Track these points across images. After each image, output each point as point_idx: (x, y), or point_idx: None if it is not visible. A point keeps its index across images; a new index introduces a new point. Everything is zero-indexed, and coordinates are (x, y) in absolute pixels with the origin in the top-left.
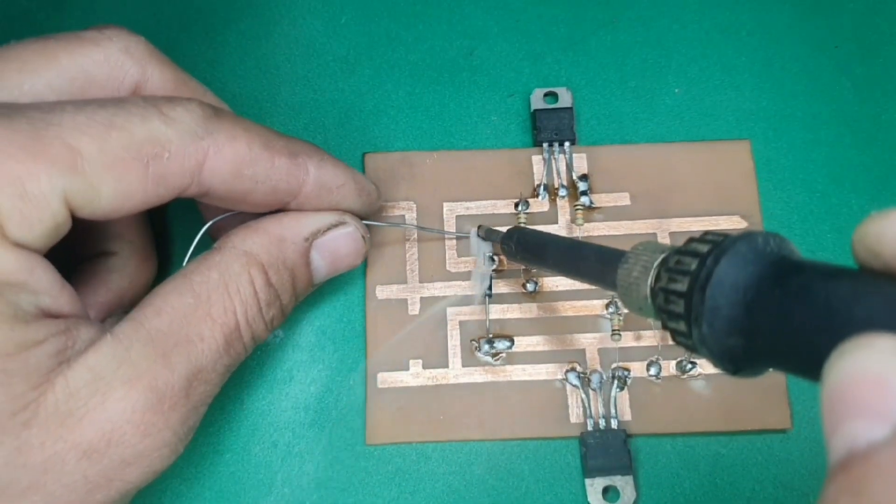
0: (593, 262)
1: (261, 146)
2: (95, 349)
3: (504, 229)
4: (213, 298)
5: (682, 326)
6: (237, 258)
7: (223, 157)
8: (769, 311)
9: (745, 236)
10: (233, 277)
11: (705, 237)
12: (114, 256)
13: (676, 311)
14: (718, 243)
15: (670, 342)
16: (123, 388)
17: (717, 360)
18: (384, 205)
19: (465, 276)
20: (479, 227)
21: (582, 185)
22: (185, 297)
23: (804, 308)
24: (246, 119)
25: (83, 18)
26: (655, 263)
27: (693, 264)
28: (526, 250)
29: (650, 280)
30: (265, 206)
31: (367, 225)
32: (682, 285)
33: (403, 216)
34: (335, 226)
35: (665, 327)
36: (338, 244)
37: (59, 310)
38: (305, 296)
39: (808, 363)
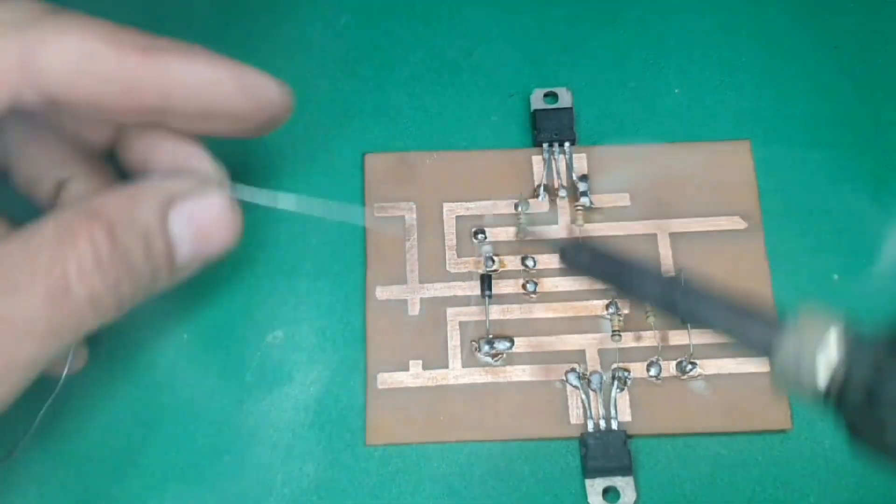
0: (734, 320)
1: (100, 39)
2: None
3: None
4: (40, 249)
5: None
6: (78, 213)
7: (51, 51)
8: None
9: None
10: (68, 230)
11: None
12: None
13: None
14: None
15: (670, 343)
16: None
17: None
18: (384, 205)
19: (466, 276)
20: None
21: (582, 186)
22: (11, 245)
23: None
24: (93, 17)
25: None
26: (831, 365)
27: None
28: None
29: (831, 371)
30: (130, 111)
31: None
32: None
33: (403, 217)
34: (199, 191)
35: (855, 429)
36: (201, 211)
37: None
38: (168, 275)
39: None
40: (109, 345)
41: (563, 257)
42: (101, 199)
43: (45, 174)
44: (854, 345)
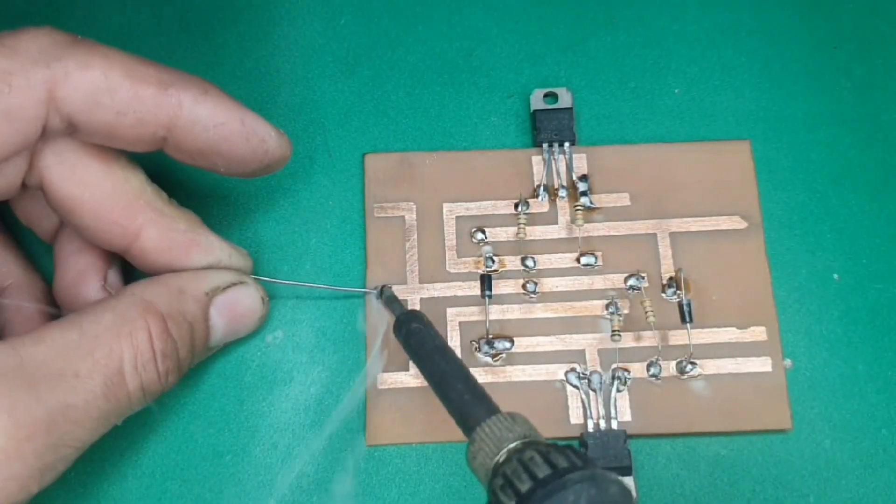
0: (456, 408)
1: (121, 74)
2: None
3: (401, 310)
4: (100, 338)
5: None
6: (135, 304)
7: (75, 84)
8: None
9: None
10: (127, 321)
11: (530, 465)
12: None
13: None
14: (536, 486)
15: (670, 343)
16: None
17: None
18: (384, 205)
19: (465, 276)
20: (384, 287)
21: (582, 186)
22: (70, 332)
23: None
24: (110, 47)
25: (83, 19)
26: (509, 447)
27: (526, 485)
28: (408, 347)
29: (498, 459)
30: (139, 142)
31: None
32: (523, 486)
33: (403, 217)
34: (234, 284)
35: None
36: (236, 303)
37: None
38: (202, 357)
39: None
40: None
41: (395, 328)
42: (152, 289)
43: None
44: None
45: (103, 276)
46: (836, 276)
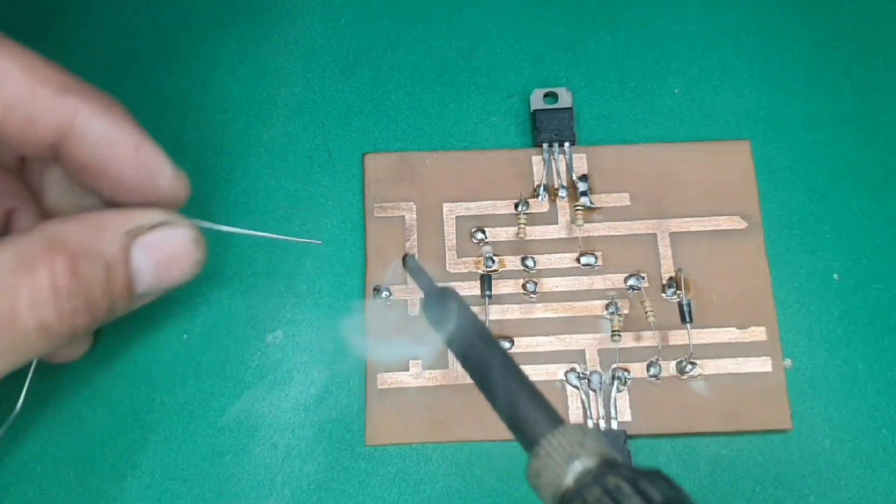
0: (512, 415)
1: (19, 66)
2: None
3: (430, 285)
4: None
5: None
6: (41, 240)
7: None
8: None
9: None
10: (26, 258)
11: (642, 489)
12: None
13: None
14: None
15: (670, 343)
16: None
17: None
18: (384, 205)
19: (465, 276)
20: (406, 256)
21: (582, 186)
22: None
23: None
24: (20, 44)
25: (83, 20)
26: (579, 468)
27: None
28: (444, 332)
29: (569, 480)
30: (25, 142)
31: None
32: None
33: (403, 217)
34: (163, 224)
35: None
36: (165, 244)
37: None
38: (131, 304)
39: None
40: (110, 345)
41: (425, 301)
42: (65, 227)
43: None
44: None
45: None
46: (836, 276)
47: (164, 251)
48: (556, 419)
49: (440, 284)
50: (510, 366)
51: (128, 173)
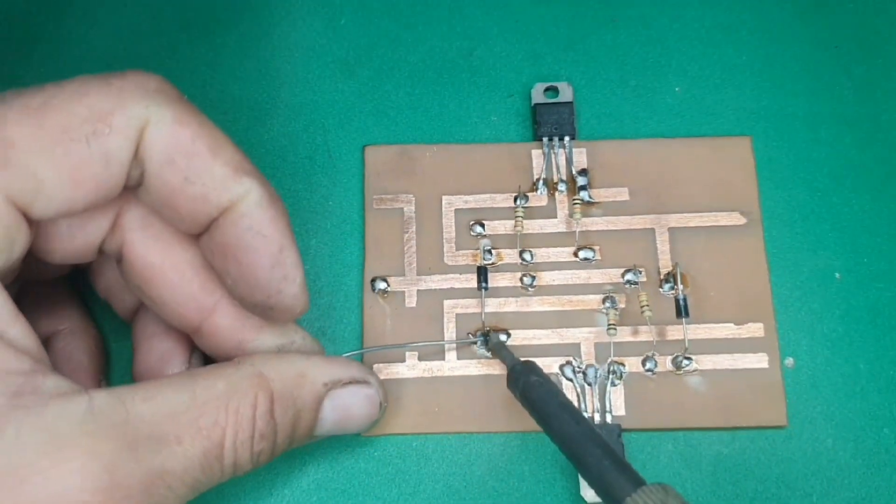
0: (600, 474)
1: (206, 145)
2: (62, 405)
3: (513, 360)
4: (208, 406)
5: None
6: (249, 377)
7: (162, 133)
8: None
9: None
10: (237, 394)
11: None
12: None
13: None
14: None
15: (666, 337)
16: (80, 460)
17: None
18: (383, 197)
19: (463, 269)
20: (489, 333)
21: (581, 180)
22: (182, 394)
23: None
24: (206, 118)
25: (83, 20)
26: None
27: None
28: (530, 407)
29: None
30: (191, 219)
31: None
32: None
33: (402, 209)
34: (357, 381)
35: None
36: (354, 402)
37: (17, 342)
38: (300, 444)
39: None
40: (110, 345)
41: (509, 378)
42: (272, 365)
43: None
44: None
45: (187, 359)
46: (837, 274)
47: (351, 408)
48: (637, 480)
49: (521, 359)
50: (590, 431)
51: (261, 269)
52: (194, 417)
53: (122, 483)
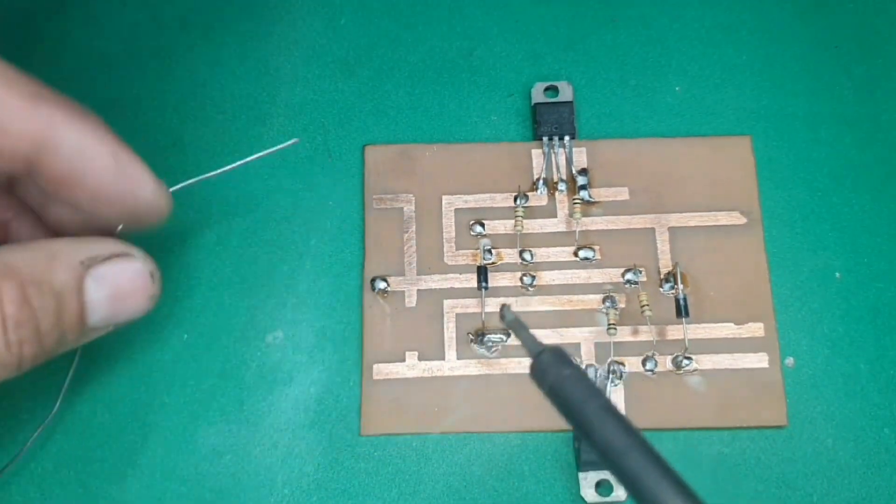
0: (653, 491)
1: None
2: None
3: (538, 345)
4: None
5: None
6: None
7: None
8: None
9: None
10: None
11: None
12: None
13: None
14: None
15: (666, 337)
16: None
17: None
18: (383, 197)
19: (463, 268)
20: (503, 308)
21: (581, 180)
22: None
23: None
24: None
25: (83, 20)
26: None
27: None
28: (560, 401)
29: None
30: (3, 157)
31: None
32: None
33: (402, 209)
34: (118, 255)
35: None
36: (120, 277)
37: None
38: (83, 336)
39: None
40: (110, 345)
41: (534, 368)
42: (17, 254)
43: None
44: None
45: None
46: (837, 274)
47: (118, 284)
48: (696, 500)
49: (543, 343)
50: (641, 442)
51: (106, 184)
52: None
53: None
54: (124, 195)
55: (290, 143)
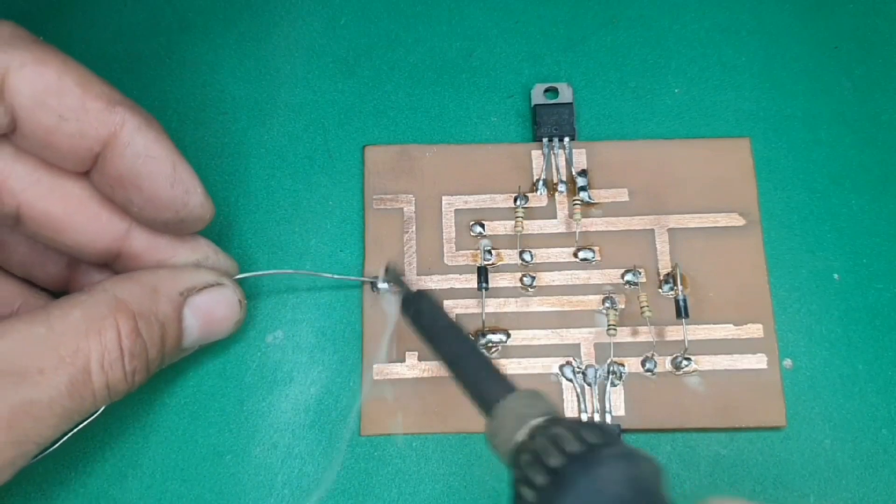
0: (472, 384)
1: (74, 81)
2: None
3: (408, 289)
4: (67, 335)
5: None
6: (106, 301)
7: (27, 77)
8: None
9: (595, 465)
10: (96, 319)
11: (582, 435)
12: None
13: (534, 481)
14: (570, 461)
15: (666, 338)
16: None
17: None
18: (383, 197)
19: (463, 269)
20: (388, 266)
21: (581, 181)
22: (37, 327)
23: None
24: (68, 56)
25: (82, 20)
26: (530, 424)
27: (539, 477)
28: (419, 326)
29: (521, 435)
30: (72, 154)
31: (247, 278)
32: (541, 477)
33: (402, 209)
34: (212, 286)
35: (514, 480)
36: (212, 305)
37: None
38: (174, 358)
39: None
40: None
41: (402, 305)
42: (126, 288)
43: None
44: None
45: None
46: (836, 275)
47: (211, 312)
48: (510, 388)
49: (415, 288)
50: (471, 349)
51: (162, 189)
52: (53, 347)
53: None
54: (176, 202)
55: (358, 279)
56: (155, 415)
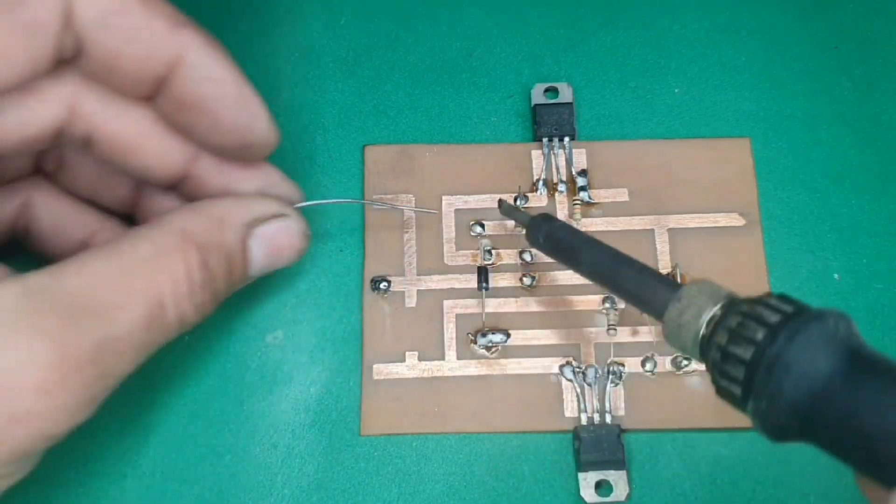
0: (639, 286)
1: (138, 2)
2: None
3: (529, 216)
4: (139, 270)
5: (735, 389)
6: (173, 234)
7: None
8: (838, 408)
9: (818, 318)
10: (165, 252)
11: (772, 303)
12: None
13: (733, 374)
14: (789, 317)
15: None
16: (24, 338)
17: (765, 431)
18: (383, 197)
19: (463, 269)
20: (500, 201)
21: (581, 181)
22: (110, 263)
23: (878, 417)
24: None
25: None
26: (712, 313)
27: (759, 333)
28: (556, 249)
29: (702, 329)
30: (139, 78)
31: (315, 205)
32: (745, 352)
33: (402, 209)
34: (277, 216)
35: (712, 380)
36: (278, 236)
37: None
38: (240, 286)
39: (873, 467)
40: None
41: (529, 231)
42: (190, 219)
43: (69, 234)
44: (722, 314)
45: None
46: (836, 275)
47: (276, 242)
48: (675, 284)
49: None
50: (619, 255)
51: (228, 113)
52: (128, 282)
53: (71, 354)
54: (241, 125)
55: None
56: (155, 415)
